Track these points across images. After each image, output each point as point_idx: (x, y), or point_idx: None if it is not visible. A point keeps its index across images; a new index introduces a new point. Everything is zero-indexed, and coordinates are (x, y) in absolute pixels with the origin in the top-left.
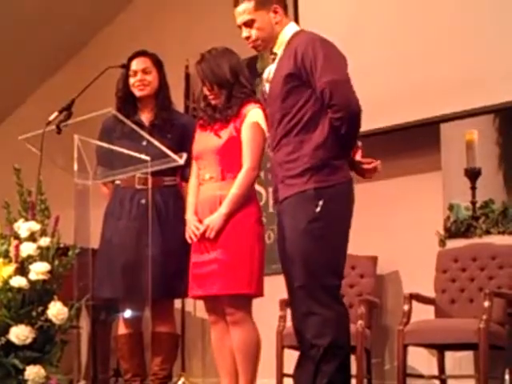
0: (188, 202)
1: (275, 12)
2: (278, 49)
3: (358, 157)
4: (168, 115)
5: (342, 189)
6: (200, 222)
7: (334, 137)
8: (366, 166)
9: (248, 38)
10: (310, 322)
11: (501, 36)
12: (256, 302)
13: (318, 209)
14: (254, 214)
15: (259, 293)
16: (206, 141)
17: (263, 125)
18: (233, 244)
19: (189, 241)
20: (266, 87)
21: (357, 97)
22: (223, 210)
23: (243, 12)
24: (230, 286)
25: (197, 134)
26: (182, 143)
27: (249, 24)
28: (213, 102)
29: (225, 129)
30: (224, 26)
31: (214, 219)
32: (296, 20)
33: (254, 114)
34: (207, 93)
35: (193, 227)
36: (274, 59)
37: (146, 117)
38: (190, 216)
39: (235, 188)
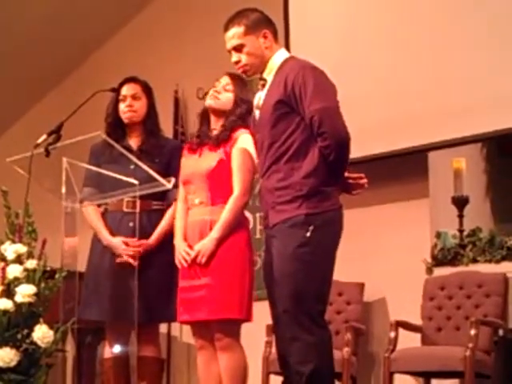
0: (176, 227)
1: (265, 37)
2: (268, 75)
3: (345, 172)
4: (156, 141)
5: (332, 215)
6: (190, 247)
7: (323, 164)
8: (352, 181)
9: (237, 62)
10: (294, 347)
11: (489, 65)
12: (242, 327)
13: (308, 234)
14: (244, 239)
15: (249, 318)
16: (195, 165)
17: (252, 151)
18: (223, 269)
19: (178, 266)
20: (256, 113)
21: (346, 125)
22: (214, 234)
23: (233, 36)
24: (219, 310)
25: (184, 157)
26: (170, 168)
27: (238, 49)
28: (210, 102)
29: (214, 153)
30: (213, 52)
31: (205, 244)
32: (287, 47)
33: (243, 140)
34: (217, 88)
35: (183, 253)
36: (263, 85)
37: (134, 142)
38: (179, 241)
39: (226, 213)
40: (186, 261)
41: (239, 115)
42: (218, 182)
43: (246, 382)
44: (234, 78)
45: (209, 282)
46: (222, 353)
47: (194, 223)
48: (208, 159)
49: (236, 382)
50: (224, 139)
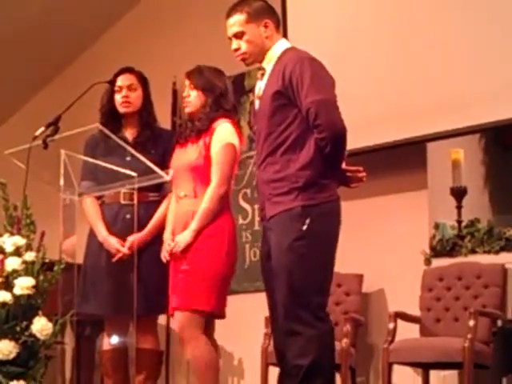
0: (167, 221)
1: (266, 26)
2: (267, 64)
3: (343, 165)
4: (151, 132)
5: (329, 207)
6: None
7: (320, 156)
8: (350, 174)
9: (237, 49)
10: (292, 341)
11: (487, 57)
12: (240, 319)
13: (305, 227)
14: (224, 232)
15: (216, 311)
16: (179, 159)
17: (232, 139)
18: (196, 260)
19: (163, 260)
20: (256, 104)
21: (342, 118)
22: (192, 226)
23: (234, 24)
24: (186, 300)
25: (175, 153)
26: (165, 159)
27: (239, 36)
28: (185, 106)
29: (195, 146)
30: (211, 43)
31: (184, 236)
32: (284, 38)
33: (221, 131)
34: (184, 94)
35: (166, 246)
36: (262, 74)
37: (129, 133)
38: (167, 235)
39: (203, 203)
40: (167, 253)
41: (211, 104)
42: (200, 174)
43: (213, 373)
44: (189, 75)
45: (182, 275)
46: (186, 345)
47: (180, 215)
48: (190, 152)
49: (199, 374)
50: (204, 130)
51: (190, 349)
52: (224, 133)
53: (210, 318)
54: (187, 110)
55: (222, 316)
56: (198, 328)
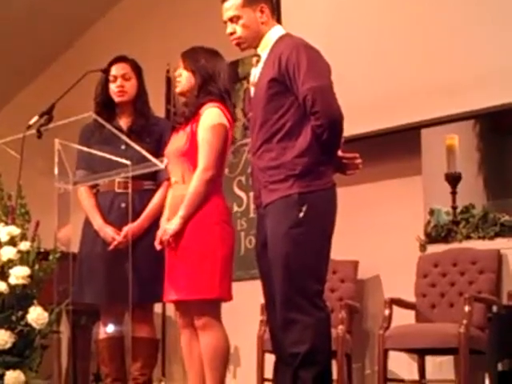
0: (165, 207)
1: (262, 11)
2: (262, 50)
3: (339, 152)
4: (146, 121)
5: (325, 194)
6: None
7: (316, 143)
8: (346, 161)
9: (232, 33)
10: (289, 328)
11: (481, 43)
12: (236, 307)
13: (302, 214)
14: (214, 215)
15: (225, 296)
16: (172, 144)
17: (221, 121)
18: (190, 249)
19: (156, 247)
20: (251, 91)
21: (339, 104)
22: (179, 213)
23: (230, 8)
24: (189, 291)
25: (171, 138)
26: (160, 147)
27: (234, 20)
28: (177, 89)
29: (183, 132)
30: (205, 31)
31: (171, 223)
32: (278, 23)
33: (207, 115)
34: (176, 73)
35: (159, 233)
36: (257, 61)
37: (124, 122)
38: (162, 221)
39: (189, 190)
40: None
41: (198, 87)
42: (188, 160)
43: (226, 361)
44: (182, 55)
45: (181, 262)
46: (201, 332)
47: (172, 201)
48: (179, 138)
49: (214, 361)
50: (192, 117)
51: (204, 337)
52: (209, 116)
53: (217, 303)
54: (177, 90)
55: (228, 299)
56: (210, 316)
